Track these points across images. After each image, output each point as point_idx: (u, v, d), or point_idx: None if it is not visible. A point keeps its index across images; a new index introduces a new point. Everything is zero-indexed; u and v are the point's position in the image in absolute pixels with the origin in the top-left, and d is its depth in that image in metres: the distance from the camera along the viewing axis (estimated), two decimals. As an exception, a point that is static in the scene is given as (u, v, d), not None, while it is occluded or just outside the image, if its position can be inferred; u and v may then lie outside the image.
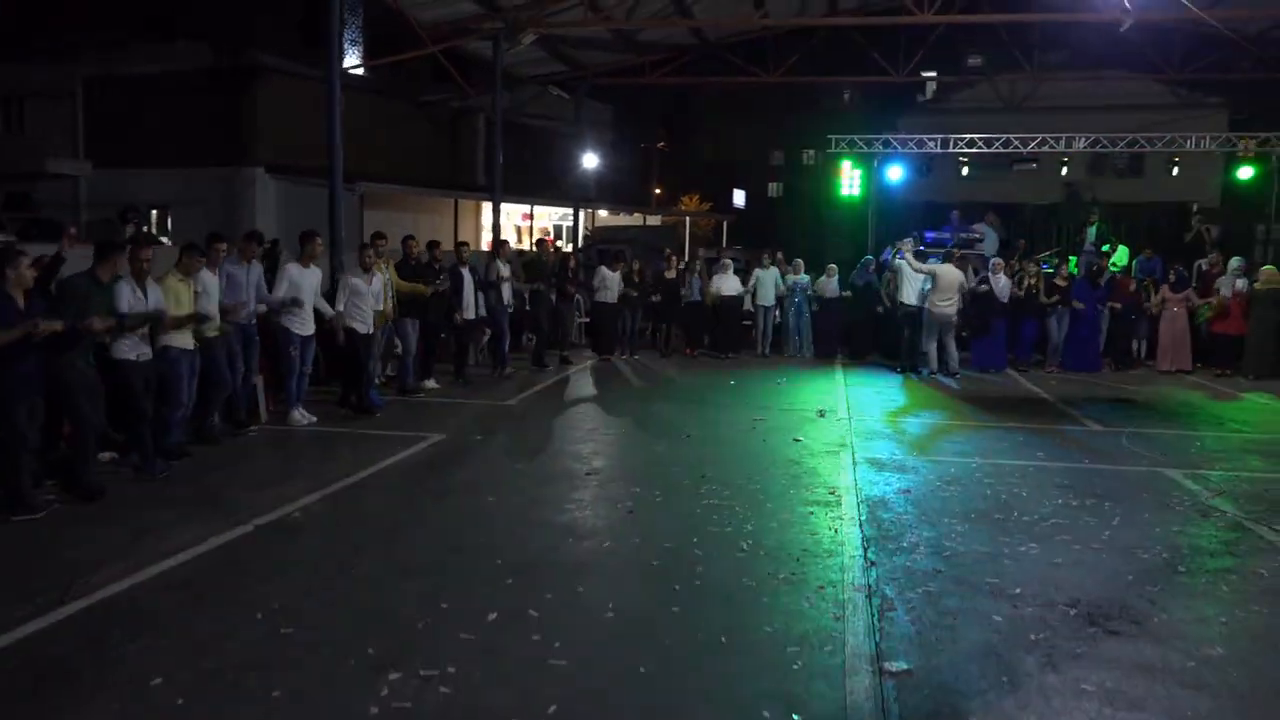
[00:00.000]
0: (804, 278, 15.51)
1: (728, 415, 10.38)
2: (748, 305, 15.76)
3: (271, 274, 10.59)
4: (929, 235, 17.68)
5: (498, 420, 9.96)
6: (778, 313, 15.60)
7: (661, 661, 4.24)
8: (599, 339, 15.00)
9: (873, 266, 15.48)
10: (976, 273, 15.43)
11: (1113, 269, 17.79)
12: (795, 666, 4.23)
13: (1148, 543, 6.04)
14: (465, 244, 11.89)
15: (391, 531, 6.09)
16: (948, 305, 13.16)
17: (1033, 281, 14.22)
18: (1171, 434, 9.80)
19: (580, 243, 26.26)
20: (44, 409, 6.23)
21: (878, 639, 4.51)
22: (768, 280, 15.38)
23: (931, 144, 17.74)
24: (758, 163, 65.07)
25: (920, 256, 14.62)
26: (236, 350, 8.25)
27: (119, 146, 23.22)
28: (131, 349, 6.77)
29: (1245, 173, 17.87)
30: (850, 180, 18.08)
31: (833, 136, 18.01)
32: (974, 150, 17.97)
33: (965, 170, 19.37)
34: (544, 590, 5.05)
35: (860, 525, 6.32)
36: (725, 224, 40.21)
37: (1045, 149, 17.93)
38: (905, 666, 4.23)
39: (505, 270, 12.15)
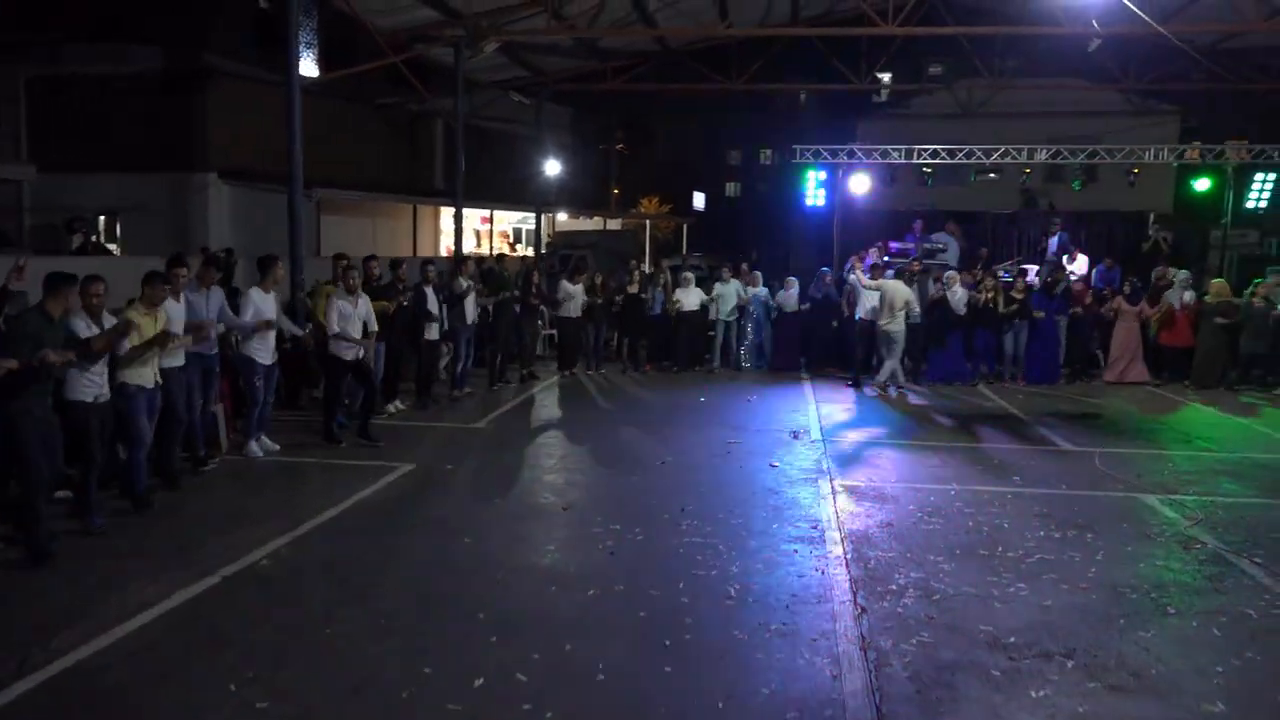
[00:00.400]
0: (763, 290, 15.31)
1: (701, 438, 10.25)
2: (713, 315, 15.53)
3: (226, 284, 10.30)
4: (894, 246, 17.72)
5: (467, 446, 9.73)
6: (749, 327, 15.37)
7: (659, 732, 4.09)
8: (563, 354, 14.73)
9: (829, 278, 15.33)
10: (939, 284, 15.48)
11: (1073, 277, 18.01)
12: (797, 735, 4.10)
13: (1134, 580, 6.01)
14: (431, 261, 11.59)
15: (366, 580, 5.86)
16: (890, 323, 13.10)
17: (990, 294, 14.16)
18: (1141, 453, 9.84)
19: (542, 248, 26.04)
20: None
21: (878, 700, 4.39)
22: (728, 294, 15.15)
23: (895, 154, 17.75)
24: (715, 162, 65.18)
25: (882, 267, 14.60)
26: (194, 383, 7.90)
27: (65, 150, 22.48)
28: (87, 389, 6.35)
29: (1202, 184, 18.15)
30: (815, 193, 18.03)
31: (797, 147, 17.95)
32: (937, 161, 17.98)
33: (929, 181, 19.38)
34: (530, 648, 4.87)
35: (846, 564, 6.21)
36: (685, 227, 40.15)
37: (1008, 159, 18.02)
38: (909, 732, 4.12)
39: (467, 286, 11.87)
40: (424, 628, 5.15)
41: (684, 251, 38.97)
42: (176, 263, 7.80)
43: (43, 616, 5.19)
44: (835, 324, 14.90)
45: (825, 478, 8.56)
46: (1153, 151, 17.73)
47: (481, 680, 4.51)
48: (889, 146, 17.91)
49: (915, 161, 18.00)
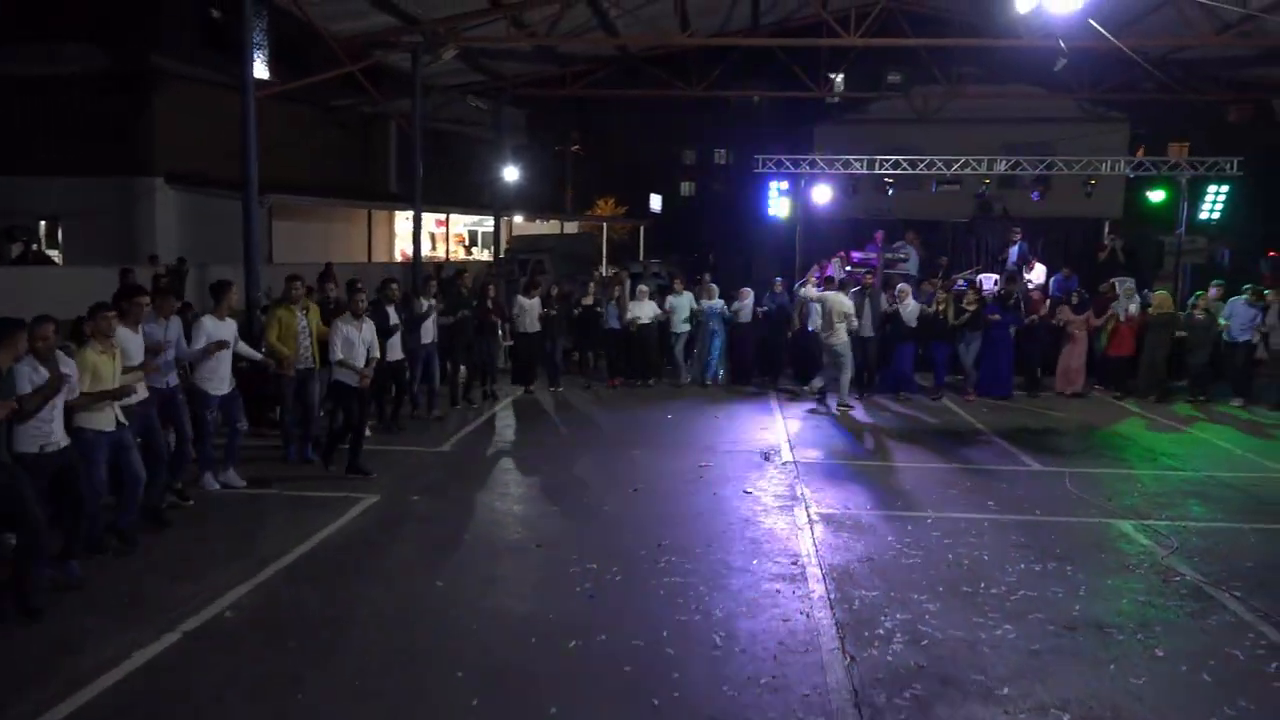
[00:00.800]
0: (718, 302, 14.92)
1: (671, 461, 10.10)
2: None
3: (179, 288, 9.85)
4: (855, 256, 17.73)
5: (432, 473, 9.48)
6: (706, 340, 15.09)
7: (655, 810, 3.92)
8: (521, 370, 14.22)
9: (779, 287, 15.19)
10: (890, 297, 15.50)
11: (1030, 286, 18.15)
12: (798, 809, 3.96)
13: (1119, 618, 5.97)
14: (393, 281, 11.24)
15: (336, 634, 5.61)
16: (830, 336, 13.02)
17: (941, 306, 14.04)
18: (1110, 473, 9.88)
19: (501, 252, 25.69)
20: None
21: (877, 765, 4.27)
22: (681, 306, 14.85)
23: (857, 164, 17.76)
24: (669, 162, 65.13)
25: (835, 280, 14.55)
26: (153, 419, 7.45)
27: (4, 153, 21.73)
28: (36, 439, 5.82)
29: (1157, 195, 18.42)
30: (777, 203, 17.95)
31: (759, 157, 17.88)
32: (898, 171, 18.02)
33: (890, 191, 19.42)
34: (514, 712, 4.68)
35: (831, 606, 6.10)
36: (643, 229, 39.99)
37: (968, 170, 18.12)
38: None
39: (427, 306, 11.54)
40: (401, 689, 4.93)
41: (641, 254, 38.85)
42: (136, 291, 7.30)
43: (-9, 684, 4.89)
44: (790, 335, 14.85)
45: (800, 505, 8.45)
46: (1109, 163, 17.94)
47: (466, 752, 4.31)
48: (850, 157, 17.90)
49: (877, 172, 17.99)
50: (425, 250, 25.85)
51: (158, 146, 22.65)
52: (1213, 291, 14.51)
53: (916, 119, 27.81)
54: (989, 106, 27.18)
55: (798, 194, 18.10)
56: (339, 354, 8.88)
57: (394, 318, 10.90)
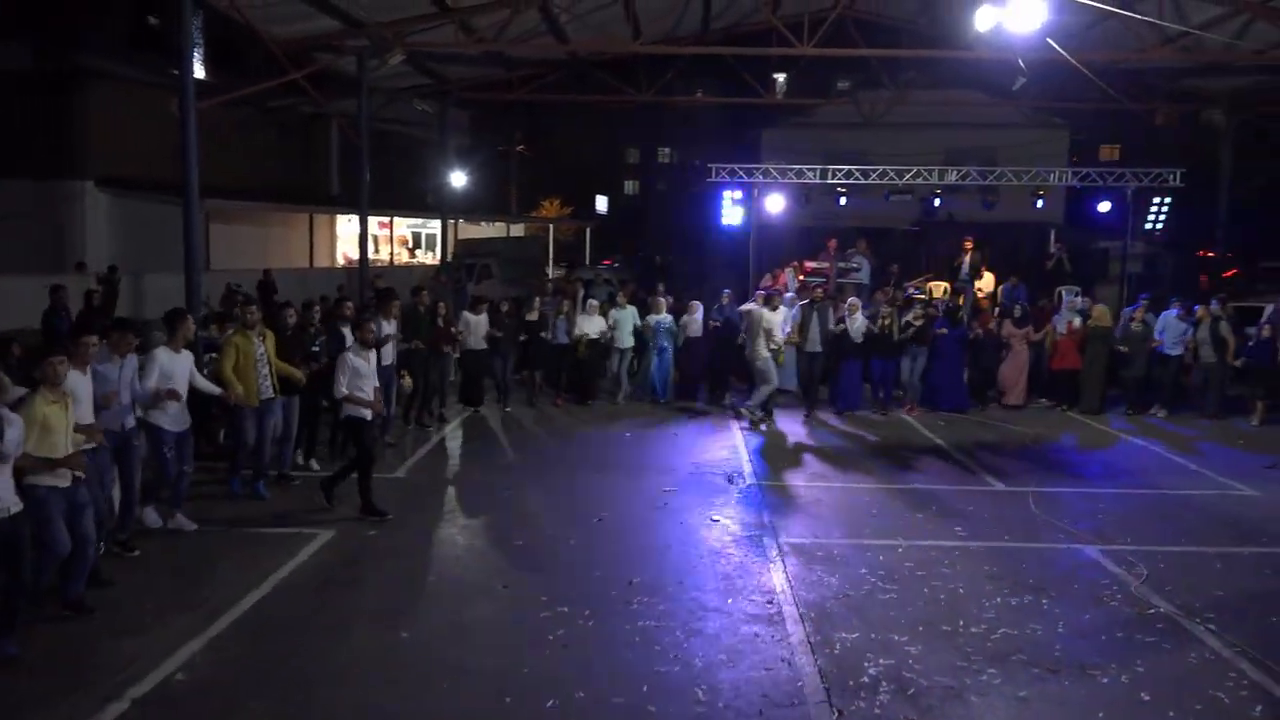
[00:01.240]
0: (666, 317, 14.48)
1: (634, 486, 9.89)
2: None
3: (110, 307, 9.31)
4: (810, 265, 17.71)
5: (388, 503, 9.09)
6: (655, 356, 14.62)
7: None
8: (469, 389, 13.64)
9: (727, 300, 14.87)
10: (837, 313, 15.46)
11: (979, 295, 18.33)
12: None
13: (1102, 659, 5.90)
14: (347, 300, 10.83)
15: (300, 694, 5.30)
16: (751, 350, 12.92)
17: (885, 321, 13.83)
18: (1072, 492, 9.91)
19: (448, 257, 25.22)
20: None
21: (878, 839, 4.11)
22: (625, 320, 14.43)
23: (810, 173, 17.73)
24: (613, 161, 64.93)
25: (781, 292, 14.44)
26: (105, 464, 6.93)
27: (-82, 156, 20.74)
28: None
29: (1104, 206, 18.71)
30: (731, 212, 17.84)
31: (712, 166, 17.76)
32: (851, 181, 18.03)
33: (843, 200, 19.43)
34: (494, 788, 4.43)
35: (812, 650, 5.94)
36: (589, 231, 39.72)
37: (919, 180, 18.21)
38: None
39: (390, 329, 11.13)
40: (371, 763, 4.65)
41: (588, 256, 38.60)
42: (84, 331, 6.70)
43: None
44: (741, 345, 14.64)
45: (769, 534, 8.30)
46: (1057, 174, 18.17)
47: (446, 839, 4.05)
48: (804, 166, 17.85)
49: (830, 181, 17.98)
50: (368, 254, 25.30)
51: (88, 149, 21.80)
52: (1139, 304, 14.71)
53: (862, 123, 28.01)
54: (933, 112, 27.52)
55: (751, 202, 17.96)
56: (344, 389, 8.50)
57: (350, 339, 10.48)
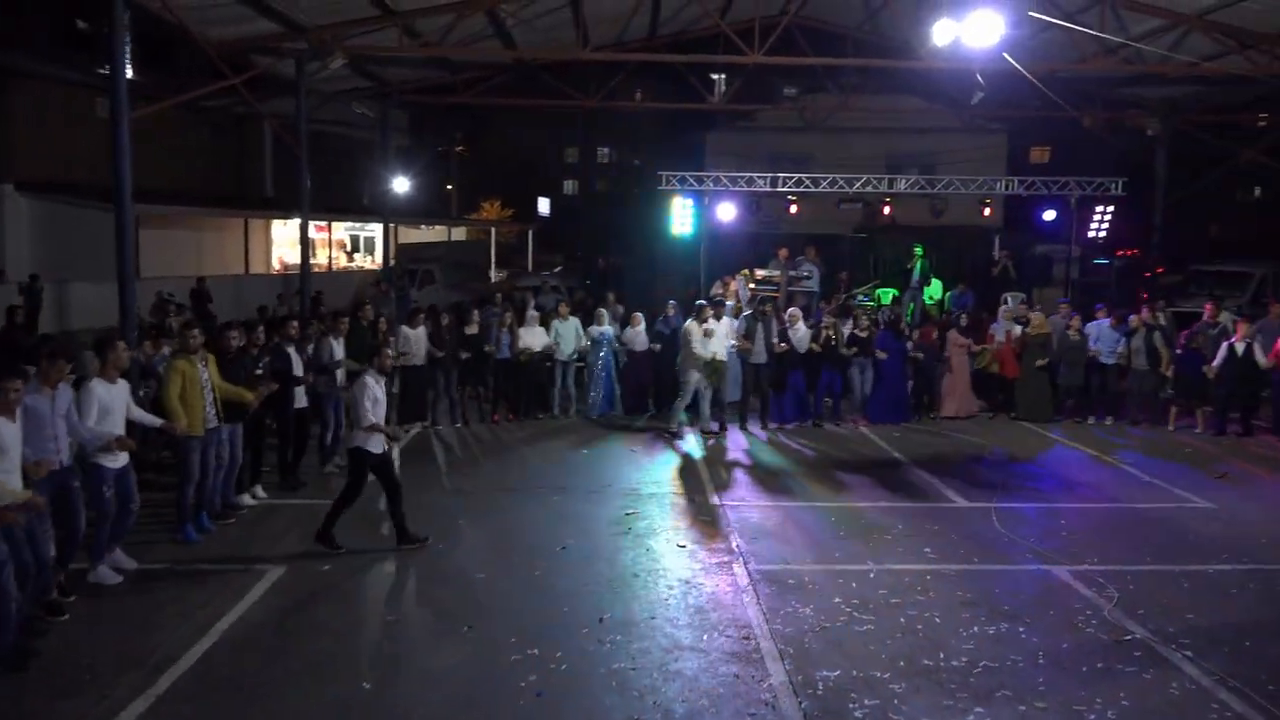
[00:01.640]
0: (608, 329, 14.16)
1: (595, 509, 9.63)
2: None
3: (32, 318, 8.68)
4: (760, 274, 17.61)
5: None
6: (599, 369, 14.23)
7: None
8: (409, 407, 13.17)
9: (672, 311, 14.53)
10: (809, 313, 15.42)
11: (928, 301, 18.44)
12: None
13: (1086, 692, 5.82)
14: (292, 320, 10.36)
15: (256, 762, 4.96)
16: (685, 361, 12.84)
17: (827, 331, 13.70)
18: (1032, 508, 9.91)
19: (391, 263, 24.62)
20: None
21: None
22: (567, 332, 14.06)
23: (761, 181, 17.63)
24: (552, 160, 64.47)
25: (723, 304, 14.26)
26: (34, 521, 6.33)
27: None
28: None
29: (1049, 214, 18.97)
30: (682, 220, 17.65)
31: (663, 173, 17.55)
32: (802, 189, 17.99)
33: (794, 209, 19.40)
34: None
35: (795, 692, 5.75)
36: (531, 233, 39.27)
37: (870, 189, 18.23)
38: None
39: (341, 350, 10.67)
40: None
41: (530, 259, 38.18)
42: (5, 377, 5.94)
43: None
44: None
45: (738, 560, 8.12)
46: (1004, 183, 18.34)
47: None
48: (755, 174, 17.76)
49: (780, 190, 17.91)
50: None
51: (8, 150, 20.81)
52: (1061, 309, 14.89)
53: (805, 127, 28.06)
54: (875, 117, 27.68)
55: (702, 210, 17.80)
56: (369, 418, 8.05)
57: (297, 360, 10.03)
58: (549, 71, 21.74)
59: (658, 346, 14.13)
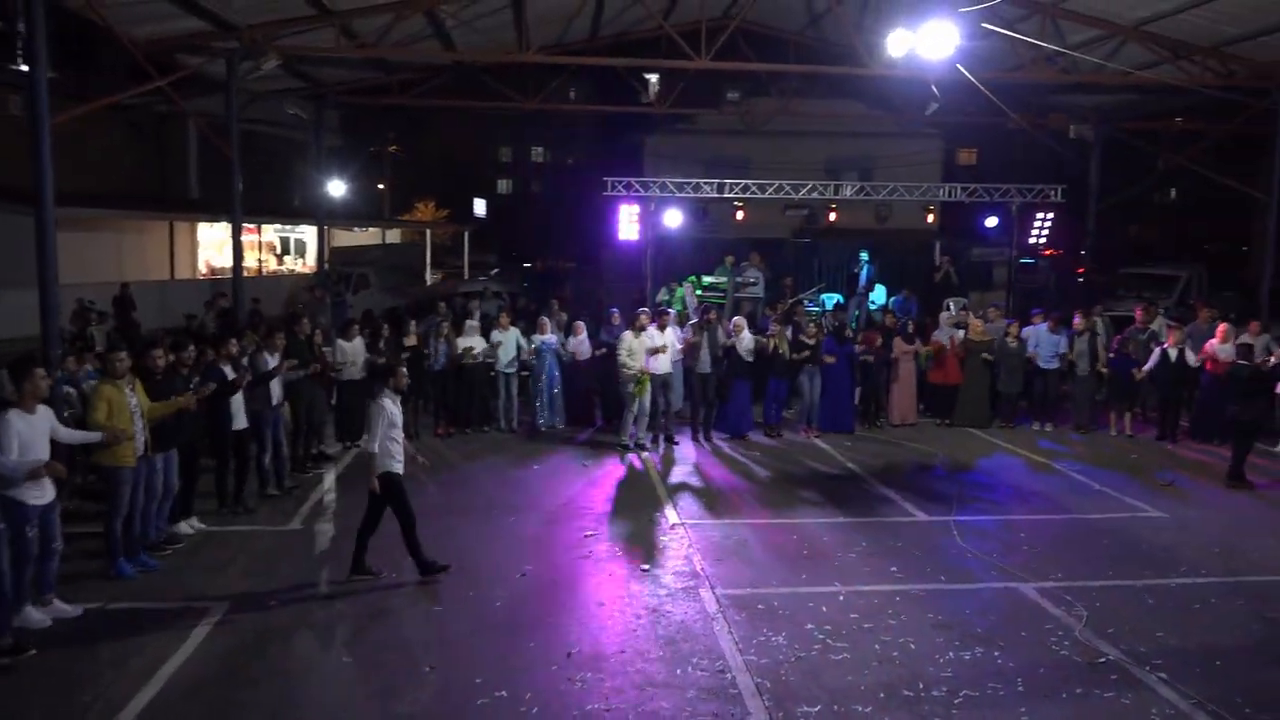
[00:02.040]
0: (552, 338, 13.84)
1: (552, 530, 9.35)
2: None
3: None
4: (707, 281, 17.47)
5: (286, 564, 8.32)
6: (543, 379, 13.88)
7: None
8: (346, 423, 12.64)
9: (617, 319, 14.27)
10: (754, 320, 15.32)
11: (872, 307, 18.50)
12: None
13: (1068, 721, 5.77)
14: (231, 339, 9.84)
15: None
16: (622, 372, 12.73)
17: (774, 340, 13.56)
18: (991, 520, 9.90)
19: (325, 267, 23.89)
20: None
21: None
22: (508, 342, 13.68)
23: (708, 188, 17.48)
24: (486, 159, 63.70)
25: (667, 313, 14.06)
26: None
27: None
28: None
29: (991, 221, 19.19)
30: (629, 226, 17.39)
31: (608, 179, 17.28)
32: (749, 195, 17.88)
33: (740, 215, 19.29)
34: None
35: (777, 731, 5.57)
36: (467, 235, 38.64)
37: (815, 195, 18.21)
38: None
39: (274, 363, 10.19)
40: None
41: (466, 261, 37.58)
42: None
43: None
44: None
45: (704, 584, 7.91)
46: (946, 189, 18.49)
47: None
48: (701, 180, 17.60)
49: (727, 196, 17.79)
50: (229, 262, 23.80)
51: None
52: (992, 313, 15.05)
53: (745, 131, 28.03)
54: (813, 117, 27.77)
55: (647, 215, 17.59)
56: (375, 446, 7.74)
57: (232, 376, 9.53)
58: (487, 72, 21.33)
59: (603, 351, 13.84)
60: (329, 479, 11.18)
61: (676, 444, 13.12)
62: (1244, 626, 7.26)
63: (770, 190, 17.60)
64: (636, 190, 17.24)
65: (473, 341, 13.45)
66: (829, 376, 13.89)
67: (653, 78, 25.31)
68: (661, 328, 13.11)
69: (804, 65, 18.58)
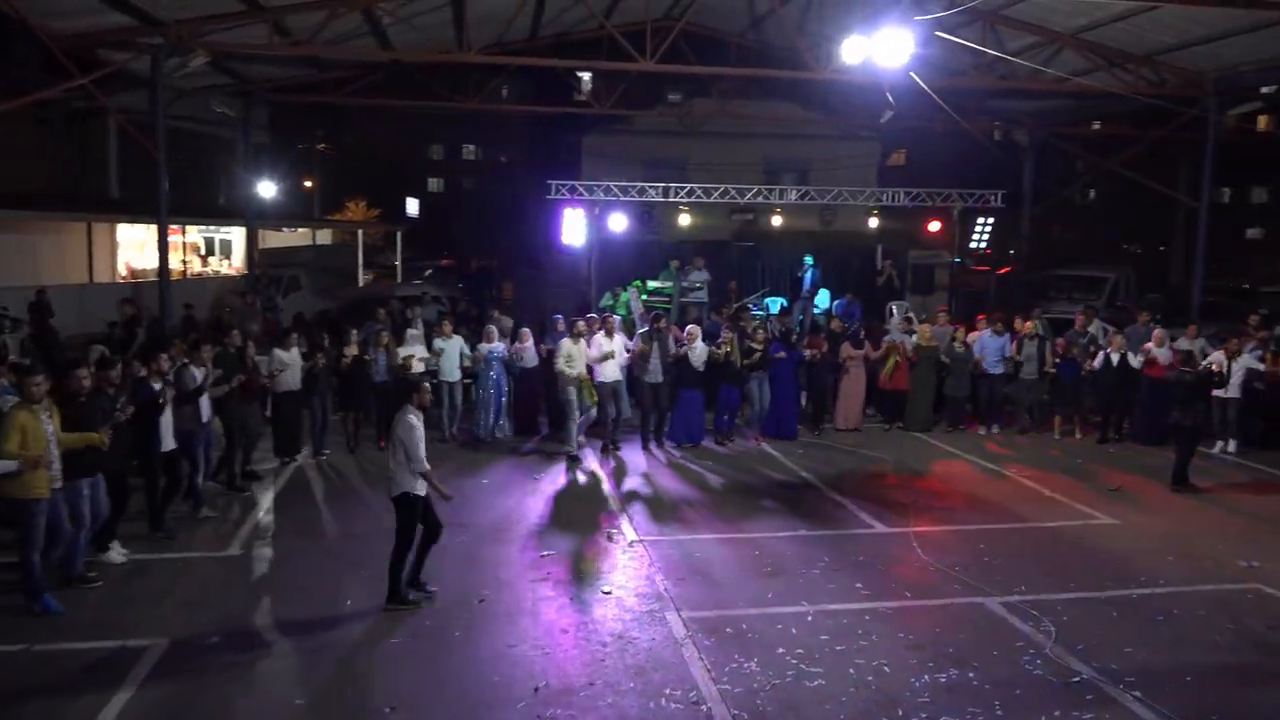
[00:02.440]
0: (499, 346, 13.49)
1: (506, 550, 9.04)
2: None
3: None
4: (652, 286, 17.27)
5: (227, 594, 7.86)
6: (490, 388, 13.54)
7: None
8: (283, 436, 12.15)
9: (562, 326, 13.87)
10: (699, 324, 15.14)
11: (815, 310, 18.52)
12: None
13: (1050, 748, 5.68)
14: (161, 354, 9.29)
15: None
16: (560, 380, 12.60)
17: (726, 348, 13.40)
18: (948, 531, 9.87)
19: (255, 270, 23.06)
20: None
21: None
22: (452, 351, 13.31)
23: (653, 192, 17.27)
24: (416, 157, 62.59)
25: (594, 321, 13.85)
26: None
27: None
28: None
29: (934, 225, 19.33)
30: (573, 230, 17.10)
31: (552, 182, 16.96)
32: (693, 199, 17.72)
33: (685, 219, 19.09)
34: None
35: (759, 768, 5.37)
36: (399, 235, 37.78)
37: (759, 199, 18.13)
38: None
39: (200, 377, 9.66)
40: None
41: (399, 262, 36.79)
42: None
43: None
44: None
45: (670, 607, 7.68)
46: (890, 194, 18.57)
47: None
48: (646, 184, 17.39)
49: (673, 200, 17.60)
50: (155, 263, 22.84)
51: None
52: (940, 318, 15.19)
53: (683, 132, 27.87)
54: (751, 119, 27.72)
55: (591, 219, 17.32)
56: (425, 463, 7.53)
57: (165, 396, 9.01)
58: (422, 71, 20.82)
59: (550, 354, 13.47)
60: (267, 498, 10.66)
61: (619, 449, 12.95)
62: (1207, 639, 7.29)
63: (716, 194, 17.45)
64: (581, 194, 16.94)
65: (415, 351, 13.04)
66: (776, 383, 13.81)
67: (585, 76, 24.99)
68: (609, 333, 12.91)
69: (754, 69, 18.45)
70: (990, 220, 18.50)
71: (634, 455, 12.90)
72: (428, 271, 35.42)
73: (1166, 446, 12.54)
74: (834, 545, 9.30)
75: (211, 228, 31.47)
